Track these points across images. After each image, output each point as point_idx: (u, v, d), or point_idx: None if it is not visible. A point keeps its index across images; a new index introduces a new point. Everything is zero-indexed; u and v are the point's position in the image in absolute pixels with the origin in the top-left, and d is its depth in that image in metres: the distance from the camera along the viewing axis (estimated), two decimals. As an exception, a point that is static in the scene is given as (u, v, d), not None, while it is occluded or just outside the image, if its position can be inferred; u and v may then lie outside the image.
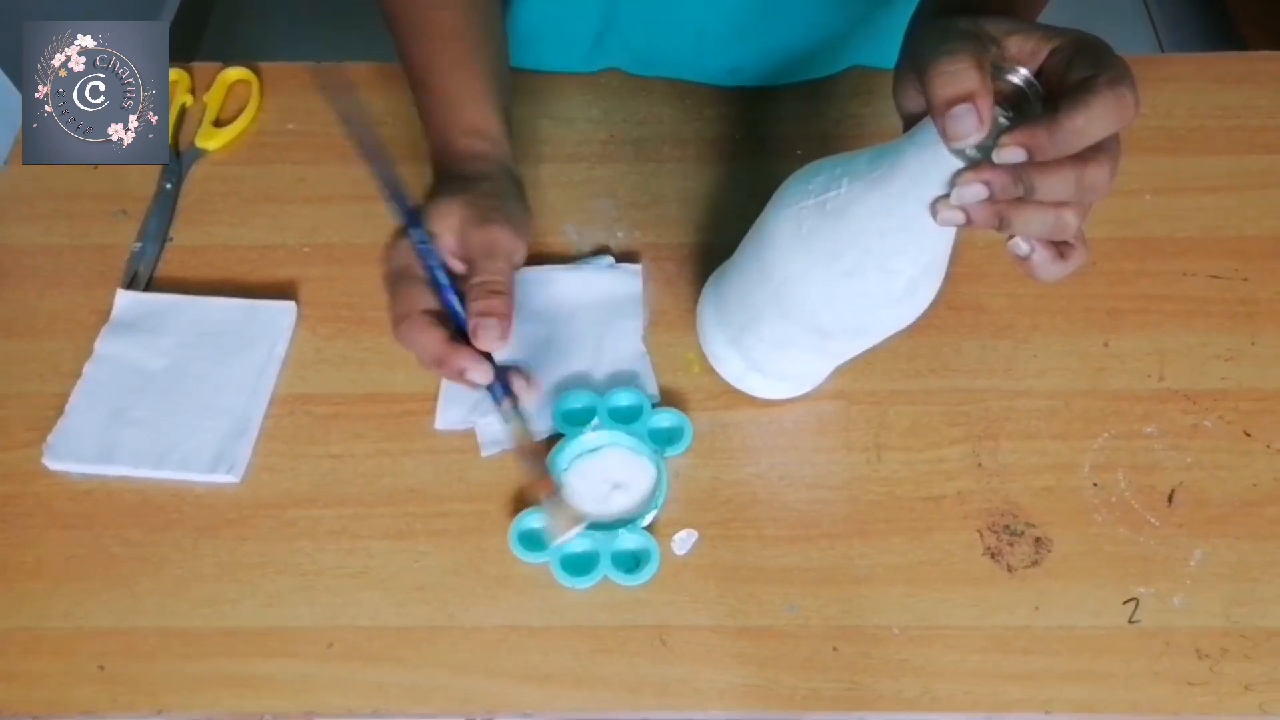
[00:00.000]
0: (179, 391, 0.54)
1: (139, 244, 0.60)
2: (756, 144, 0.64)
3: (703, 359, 0.55)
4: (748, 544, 0.50)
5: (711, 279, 0.55)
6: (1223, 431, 0.53)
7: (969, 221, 0.38)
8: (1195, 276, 0.58)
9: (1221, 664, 0.47)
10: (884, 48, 0.66)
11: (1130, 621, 0.48)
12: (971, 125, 0.34)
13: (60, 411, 0.53)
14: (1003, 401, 0.54)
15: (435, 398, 0.54)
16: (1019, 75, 0.36)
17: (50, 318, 0.58)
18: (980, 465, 0.52)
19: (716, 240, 0.60)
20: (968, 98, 0.34)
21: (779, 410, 0.54)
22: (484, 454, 0.53)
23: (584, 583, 0.48)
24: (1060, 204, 0.36)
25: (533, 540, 0.49)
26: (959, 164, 0.37)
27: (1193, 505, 0.51)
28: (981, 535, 0.50)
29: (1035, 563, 0.49)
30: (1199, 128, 0.64)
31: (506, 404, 0.47)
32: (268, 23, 1.71)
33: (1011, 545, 0.50)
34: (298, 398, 0.55)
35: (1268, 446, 0.53)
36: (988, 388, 0.55)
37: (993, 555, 0.50)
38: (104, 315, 0.57)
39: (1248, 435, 0.53)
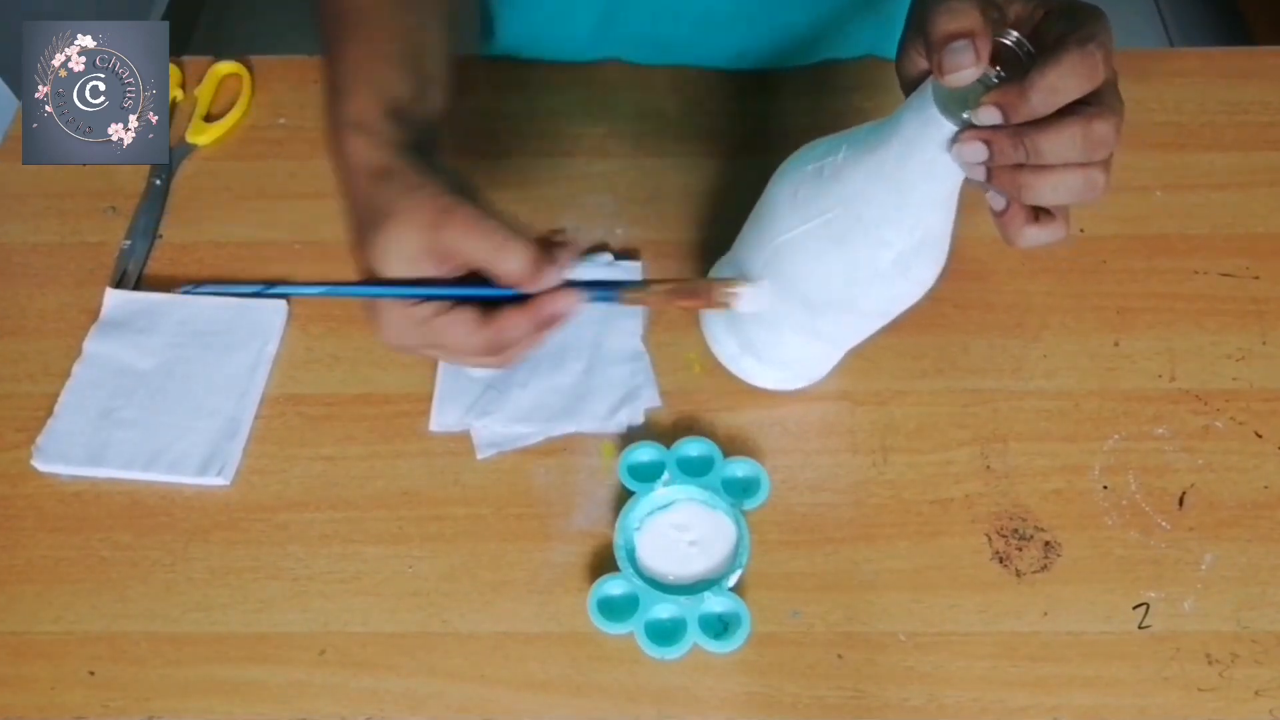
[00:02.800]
0: (168, 392, 0.54)
1: (128, 241, 0.59)
2: (760, 138, 0.63)
3: (703, 359, 0.54)
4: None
5: (720, 260, 0.54)
6: (1234, 433, 0.52)
7: (989, 160, 0.37)
8: (1206, 274, 0.57)
9: (1232, 669, 0.46)
10: (893, 28, 0.66)
11: (1140, 627, 0.47)
12: (968, 59, 0.34)
13: (49, 412, 0.53)
14: (1011, 402, 0.53)
15: (429, 399, 0.53)
16: (1010, 37, 0.37)
17: (39, 316, 0.57)
18: (989, 467, 0.51)
19: (718, 237, 0.59)
20: (967, 34, 0.34)
21: (783, 412, 0.53)
22: (480, 456, 0.52)
23: (673, 653, 0.45)
24: (1084, 164, 0.36)
25: (613, 608, 0.46)
26: (952, 128, 0.37)
27: (1204, 508, 0.50)
28: (990, 539, 0.49)
29: (1044, 567, 0.48)
30: (1209, 123, 0.63)
31: (625, 294, 0.43)
32: (259, 16, 1.70)
33: (1020, 550, 0.49)
34: (289, 398, 0.54)
35: (1279, 448, 0.52)
36: (996, 388, 0.54)
37: (1001, 560, 0.49)
38: (93, 314, 0.56)
39: (1259, 436, 0.52)
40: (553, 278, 0.40)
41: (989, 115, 0.36)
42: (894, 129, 0.39)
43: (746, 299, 0.45)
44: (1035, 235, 0.39)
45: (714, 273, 0.54)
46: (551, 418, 0.53)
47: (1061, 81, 0.34)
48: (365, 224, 0.40)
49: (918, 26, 0.38)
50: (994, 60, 0.36)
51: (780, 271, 0.45)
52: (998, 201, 0.39)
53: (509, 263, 0.39)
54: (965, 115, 0.37)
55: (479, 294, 0.40)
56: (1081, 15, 0.36)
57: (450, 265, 0.40)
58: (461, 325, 0.39)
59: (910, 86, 0.41)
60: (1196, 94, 0.64)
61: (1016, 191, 0.37)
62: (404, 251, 0.39)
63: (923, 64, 0.39)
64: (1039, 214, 0.39)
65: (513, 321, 0.40)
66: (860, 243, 0.42)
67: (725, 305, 0.46)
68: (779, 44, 0.65)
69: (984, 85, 0.36)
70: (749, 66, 0.66)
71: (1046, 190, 0.37)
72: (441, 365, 0.54)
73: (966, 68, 0.35)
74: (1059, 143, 0.35)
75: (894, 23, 0.65)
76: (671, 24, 0.63)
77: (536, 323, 0.40)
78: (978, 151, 0.37)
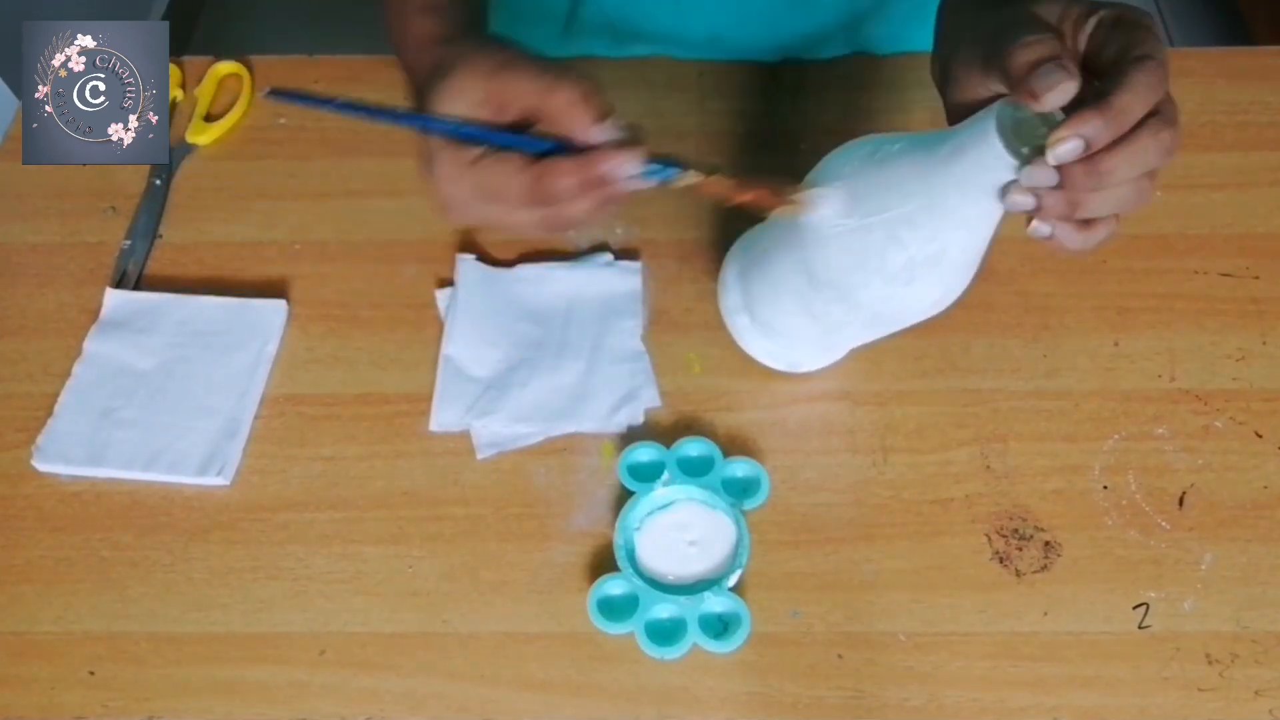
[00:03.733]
0: (168, 392, 0.53)
1: (128, 241, 0.59)
2: (760, 138, 0.63)
3: (703, 359, 0.54)
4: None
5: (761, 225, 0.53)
6: (1234, 432, 0.52)
7: (1039, 208, 0.37)
8: (1206, 274, 0.57)
9: (1232, 669, 0.46)
10: (868, 28, 0.66)
11: (1140, 627, 0.47)
12: (1062, 75, 0.34)
13: (49, 412, 0.53)
14: (1011, 402, 0.53)
15: (429, 399, 0.53)
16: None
17: (39, 316, 0.57)
18: (989, 467, 0.51)
19: (719, 237, 0.59)
20: (1051, 57, 0.35)
21: (783, 412, 0.53)
22: (480, 456, 0.52)
23: (673, 653, 0.45)
24: (1137, 177, 0.37)
25: (613, 608, 0.46)
26: (1010, 161, 0.37)
27: (1203, 508, 0.50)
28: (990, 539, 0.49)
29: (1044, 567, 0.48)
30: (1209, 123, 0.63)
31: (684, 174, 0.41)
32: (259, 17, 1.70)
33: (1020, 550, 0.49)
34: (289, 398, 0.54)
35: (1278, 448, 0.52)
36: (996, 388, 0.54)
37: (1001, 560, 0.49)
38: (94, 314, 0.56)
39: (1259, 436, 0.52)
40: (600, 130, 0.39)
41: (1070, 148, 0.35)
42: (952, 138, 0.39)
43: (818, 202, 0.43)
44: (1093, 237, 0.39)
45: (741, 238, 0.53)
46: (551, 418, 0.52)
47: (1133, 101, 0.35)
48: (430, 83, 0.41)
49: (979, 55, 0.38)
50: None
51: (797, 238, 0.45)
52: (1043, 230, 0.38)
53: (558, 98, 0.39)
54: (1025, 151, 0.37)
55: (534, 145, 0.40)
56: (1134, 27, 0.36)
57: (509, 114, 0.40)
58: (509, 163, 0.39)
59: (957, 111, 0.41)
60: (1196, 94, 0.64)
61: (1070, 211, 0.37)
62: (466, 97, 0.40)
63: (984, 93, 0.39)
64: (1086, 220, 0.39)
65: (562, 168, 0.39)
66: (878, 232, 0.41)
67: (794, 207, 0.43)
68: (752, 28, 0.65)
69: (1046, 123, 0.36)
70: (726, 55, 0.66)
71: (1101, 207, 0.37)
72: (441, 365, 0.54)
73: (1063, 82, 0.34)
74: (1131, 161, 0.36)
75: (875, 26, 0.66)
76: (643, 7, 0.63)
77: (585, 178, 0.39)
78: (1048, 177, 0.36)
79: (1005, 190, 0.38)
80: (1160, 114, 0.36)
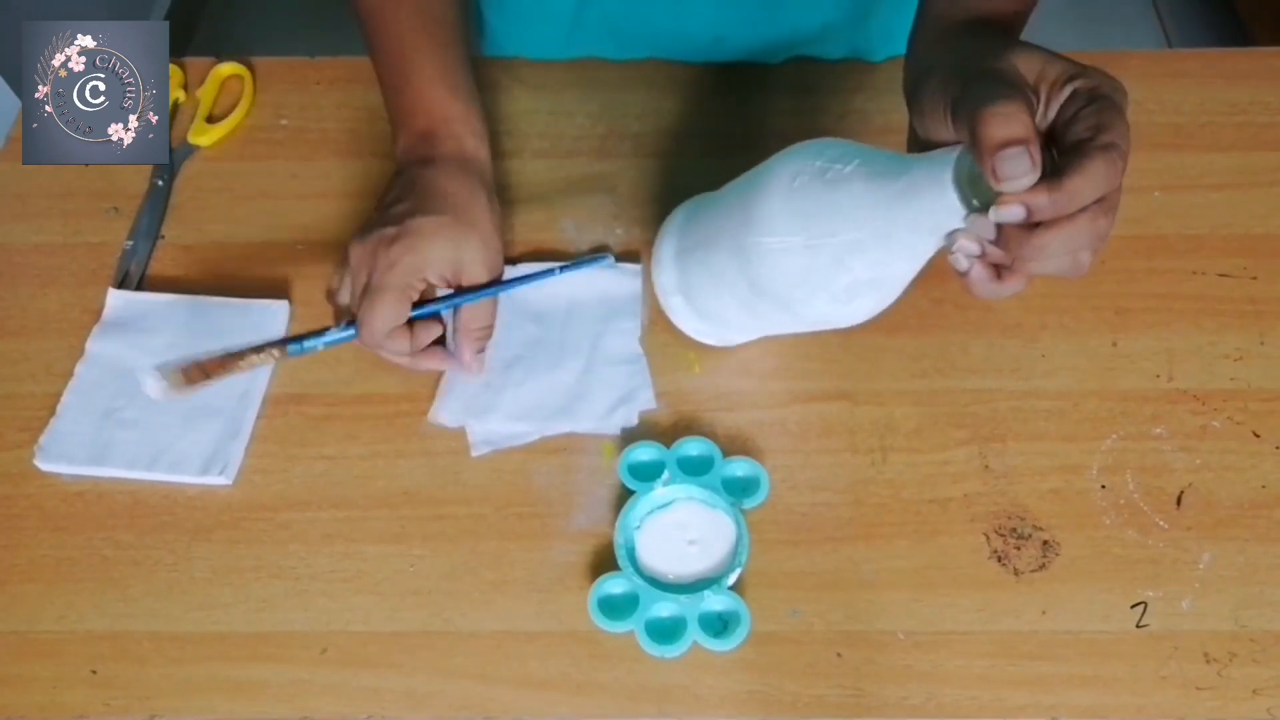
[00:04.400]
0: (171, 392, 0.54)
1: (130, 242, 0.59)
2: (759, 139, 0.63)
3: (703, 359, 0.54)
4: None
5: (698, 198, 0.54)
6: (1232, 432, 0.52)
7: (981, 254, 0.39)
8: (1204, 275, 0.58)
9: (1230, 668, 0.46)
10: (877, 29, 0.66)
11: (1138, 625, 0.47)
12: (1025, 167, 0.35)
13: (52, 412, 0.53)
14: (1010, 402, 0.53)
15: (430, 399, 0.54)
16: None
17: (42, 317, 0.57)
18: (987, 467, 0.51)
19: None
20: (1020, 141, 0.35)
21: (782, 412, 0.53)
22: (474, 454, 0.52)
23: (673, 651, 0.45)
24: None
25: (613, 607, 0.47)
26: (960, 208, 0.38)
27: (1201, 507, 0.50)
28: (988, 538, 0.49)
29: (1042, 566, 0.49)
30: (1207, 124, 0.64)
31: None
32: (261, 17, 1.70)
33: (1019, 549, 0.49)
34: (290, 398, 0.54)
35: (1276, 448, 0.52)
36: (995, 388, 0.54)
37: (999, 559, 0.49)
38: (96, 314, 0.56)
39: (1257, 436, 0.52)
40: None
41: (1012, 213, 0.36)
42: (906, 175, 0.40)
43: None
44: (1000, 290, 0.41)
45: (677, 214, 0.54)
46: (547, 417, 0.53)
47: (1087, 188, 0.36)
48: (439, 206, 0.50)
49: (948, 98, 0.38)
50: None
51: (746, 247, 0.45)
52: (961, 264, 0.40)
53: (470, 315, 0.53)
54: (975, 203, 0.38)
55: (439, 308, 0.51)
56: (1107, 107, 0.37)
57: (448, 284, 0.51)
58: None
59: (916, 140, 0.42)
60: (1195, 95, 0.65)
61: (1008, 264, 0.39)
62: (479, 259, 0.51)
63: (946, 134, 0.40)
64: (1001, 269, 0.40)
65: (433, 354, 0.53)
66: (825, 256, 0.42)
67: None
68: (756, 30, 0.65)
69: None
70: (729, 57, 0.66)
71: (1034, 269, 0.39)
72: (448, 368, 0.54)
73: (1023, 176, 0.35)
74: (1065, 240, 0.37)
75: (877, 23, 0.66)
76: (645, 9, 0.63)
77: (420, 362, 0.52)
78: (987, 230, 0.38)
79: (953, 235, 0.39)
80: (1105, 200, 0.37)
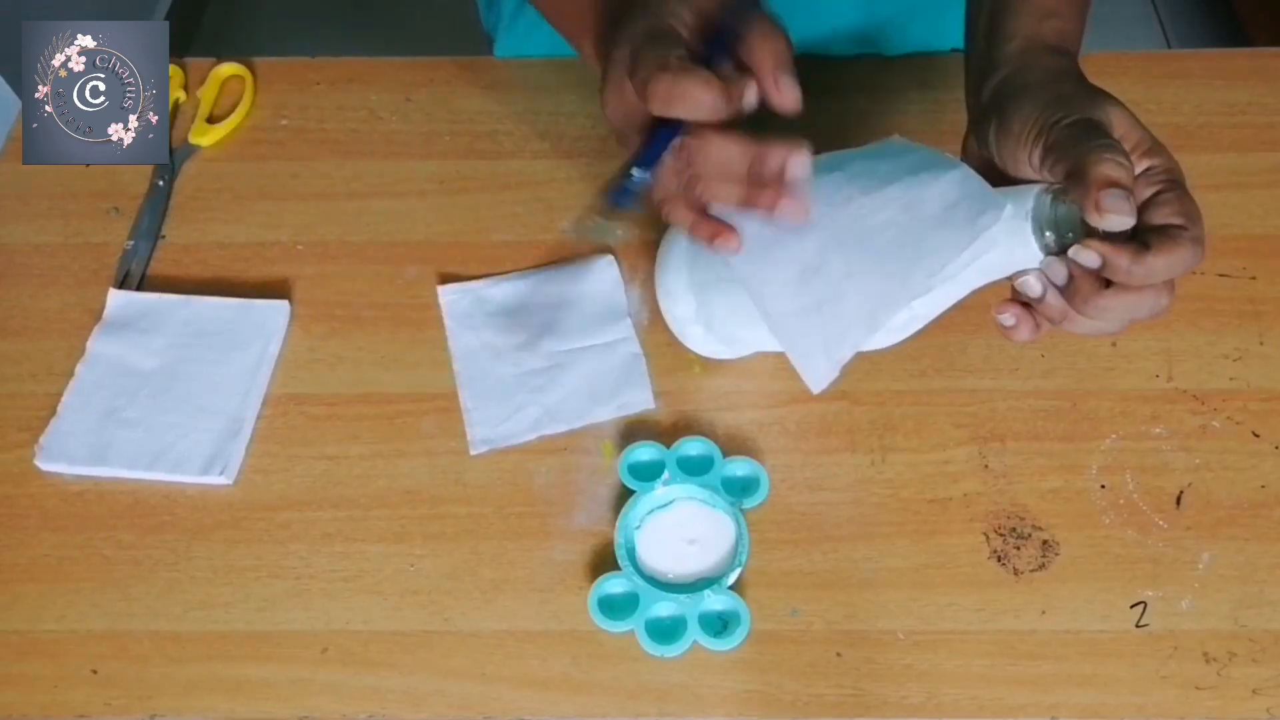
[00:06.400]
0: (171, 392, 0.54)
1: (131, 242, 0.59)
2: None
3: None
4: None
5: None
6: (1231, 432, 0.52)
7: (1040, 300, 0.40)
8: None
9: (1229, 668, 0.46)
10: (891, 23, 0.66)
11: (1138, 625, 0.47)
12: (1127, 207, 0.36)
13: (53, 412, 0.53)
14: (1009, 402, 0.53)
15: (430, 399, 0.54)
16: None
17: (43, 317, 0.57)
18: (986, 467, 0.52)
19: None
20: (1128, 186, 0.37)
21: (782, 411, 0.53)
22: (473, 452, 0.52)
23: (673, 651, 0.46)
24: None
25: (614, 606, 0.47)
26: (1037, 252, 0.39)
27: (1201, 507, 0.50)
28: (988, 538, 0.50)
29: (1042, 566, 0.49)
30: (1206, 124, 0.64)
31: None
32: (262, 18, 1.70)
33: (1018, 549, 0.49)
34: (291, 398, 0.54)
35: (1276, 448, 0.52)
36: (994, 388, 0.54)
37: (999, 559, 0.49)
38: (97, 314, 0.56)
39: (1256, 436, 0.52)
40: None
41: (1090, 258, 0.38)
42: (986, 235, 0.39)
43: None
44: (1031, 338, 0.42)
45: (679, 240, 0.52)
46: (545, 417, 0.53)
47: (1168, 269, 0.37)
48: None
49: (1054, 149, 0.39)
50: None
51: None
52: (1009, 320, 0.42)
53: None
54: (1048, 235, 0.39)
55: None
56: (1187, 198, 0.39)
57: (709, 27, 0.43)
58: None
59: (977, 155, 0.43)
60: (1194, 95, 0.65)
61: (1059, 318, 0.40)
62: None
63: (1021, 157, 0.41)
64: (1039, 322, 0.42)
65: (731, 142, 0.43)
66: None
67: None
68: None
69: (1070, 221, 0.38)
70: None
71: (1087, 327, 0.40)
72: (460, 378, 0.54)
73: (1124, 215, 0.36)
74: (1129, 307, 0.39)
75: (891, 18, 0.66)
76: None
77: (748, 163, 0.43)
78: (1060, 274, 0.39)
79: (1016, 275, 0.40)
80: (1170, 282, 0.39)
